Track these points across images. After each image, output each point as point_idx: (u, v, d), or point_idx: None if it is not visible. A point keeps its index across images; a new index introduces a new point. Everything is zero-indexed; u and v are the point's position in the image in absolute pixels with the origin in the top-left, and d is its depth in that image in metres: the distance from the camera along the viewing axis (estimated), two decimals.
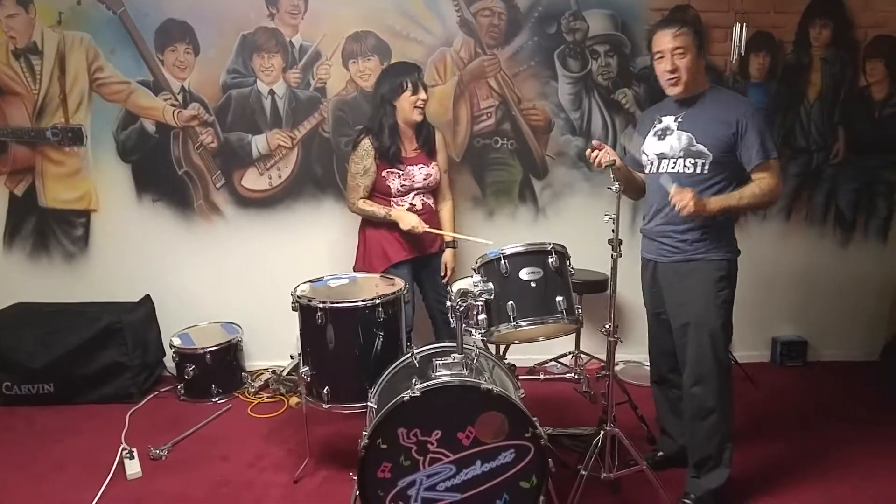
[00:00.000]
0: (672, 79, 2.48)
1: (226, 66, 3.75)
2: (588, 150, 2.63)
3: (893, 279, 4.11)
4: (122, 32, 3.69)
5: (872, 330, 4.14)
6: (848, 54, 3.85)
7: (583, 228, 3.89)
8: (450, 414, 2.26)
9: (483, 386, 2.24)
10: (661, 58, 2.49)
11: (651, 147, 2.63)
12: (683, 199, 2.37)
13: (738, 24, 3.60)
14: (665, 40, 2.46)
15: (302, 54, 3.76)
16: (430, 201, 3.38)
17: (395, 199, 3.26)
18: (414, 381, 2.31)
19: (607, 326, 2.92)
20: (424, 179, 3.27)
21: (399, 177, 3.22)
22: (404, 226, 3.16)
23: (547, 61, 3.81)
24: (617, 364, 4.03)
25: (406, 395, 2.22)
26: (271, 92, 3.79)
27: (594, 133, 3.91)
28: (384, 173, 3.22)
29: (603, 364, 4.08)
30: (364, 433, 2.29)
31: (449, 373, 2.36)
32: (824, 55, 3.85)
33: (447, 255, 3.47)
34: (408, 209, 3.24)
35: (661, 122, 2.60)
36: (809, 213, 4.04)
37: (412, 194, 3.27)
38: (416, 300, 3.42)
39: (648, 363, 3.01)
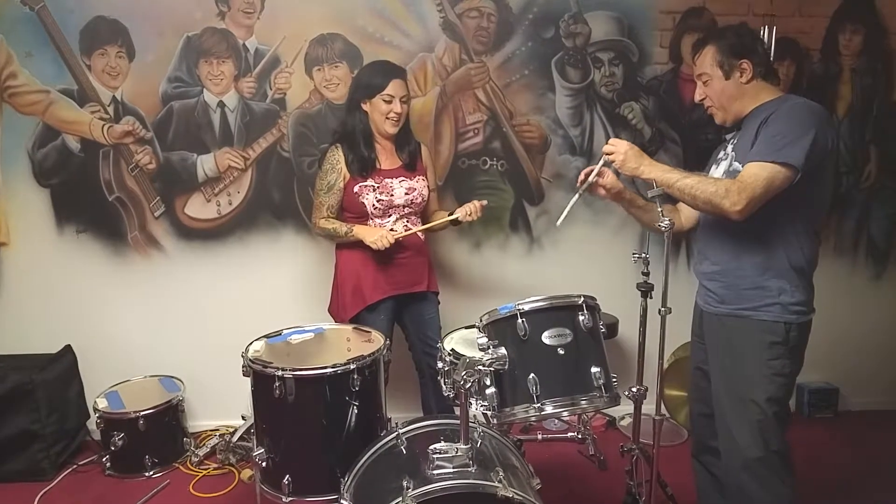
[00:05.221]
0: (706, 108, 2.22)
1: (166, 74, 3.28)
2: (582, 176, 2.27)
3: None
4: (40, 32, 3.19)
5: None
6: (881, 64, 3.46)
7: (584, 262, 3.53)
8: None
9: (500, 492, 1.68)
10: None
11: (712, 175, 2.23)
12: (616, 148, 2.11)
13: (766, 27, 3.17)
14: (694, 64, 2.21)
15: (257, 60, 3.29)
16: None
17: (373, 221, 2.75)
18: (405, 482, 1.74)
19: (634, 390, 2.44)
20: (407, 195, 2.75)
21: (374, 190, 2.71)
22: (369, 241, 2.64)
23: (543, 70, 3.38)
24: (622, 418, 3.56)
25: None
26: (221, 104, 3.31)
27: (596, 153, 3.46)
28: (356, 188, 2.71)
29: (608, 418, 3.57)
30: None
31: (451, 469, 1.79)
32: (855, 65, 3.45)
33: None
34: None
35: (726, 147, 2.23)
36: (838, 243, 3.61)
37: (393, 216, 2.75)
38: (399, 345, 2.90)
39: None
